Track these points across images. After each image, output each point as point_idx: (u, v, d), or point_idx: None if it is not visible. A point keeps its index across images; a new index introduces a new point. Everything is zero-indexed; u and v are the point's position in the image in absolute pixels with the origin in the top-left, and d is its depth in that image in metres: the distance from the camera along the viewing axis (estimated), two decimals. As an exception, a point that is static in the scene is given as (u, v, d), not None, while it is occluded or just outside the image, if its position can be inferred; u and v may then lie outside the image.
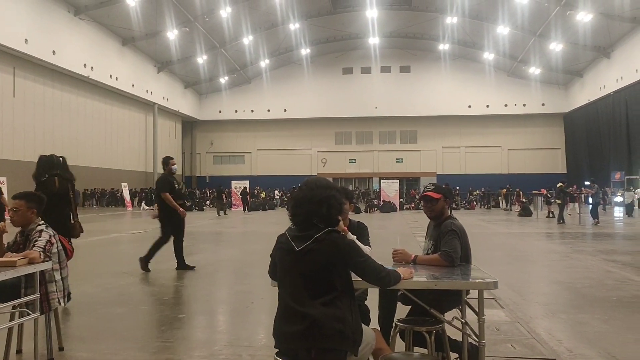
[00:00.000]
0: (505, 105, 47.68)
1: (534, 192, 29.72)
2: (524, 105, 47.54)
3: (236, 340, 4.59)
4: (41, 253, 3.75)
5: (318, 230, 2.53)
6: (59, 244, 4.09)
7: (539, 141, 49.03)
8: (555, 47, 39.10)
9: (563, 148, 48.60)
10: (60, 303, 3.98)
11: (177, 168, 8.68)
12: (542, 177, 44.77)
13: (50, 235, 3.95)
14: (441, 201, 3.63)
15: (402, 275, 2.73)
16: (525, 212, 25.68)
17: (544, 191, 27.17)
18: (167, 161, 8.65)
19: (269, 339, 2.70)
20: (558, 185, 21.68)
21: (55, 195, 5.68)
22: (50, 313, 3.93)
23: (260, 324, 5.14)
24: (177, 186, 8.58)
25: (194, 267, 8.55)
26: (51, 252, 3.91)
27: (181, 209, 8.41)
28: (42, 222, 4.06)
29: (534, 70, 44.77)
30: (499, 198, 38.25)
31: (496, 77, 47.33)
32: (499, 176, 46.56)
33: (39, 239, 3.87)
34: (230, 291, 7.21)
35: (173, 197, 8.30)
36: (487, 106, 47.82)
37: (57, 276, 3.99)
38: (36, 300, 3.73)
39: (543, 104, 47.40)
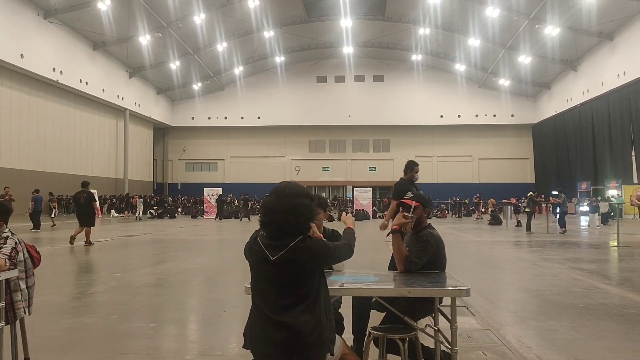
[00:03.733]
0: (476, 116, 48.55)
1: (503, 201, 30.28)
2: (494, 115, 48.50)
3: (208, 349, 4.53)
4: (7, 260, 3.64)
5: (292, 239, 2.50)
6: (25, 251, 3.97)
7: (509, 151, 50.04)
8: (524, 59, 40.07)
9: (532, 158, 49.70)
10: (25, 312, 3.87)
11: (419, 176, 7.80)
12: (512, 186, 45.67)
13: (15, 243, 3.83)
14: (419, 209, 3.67)
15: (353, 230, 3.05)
16: (495, 221, 26.12)
17: (513, 200, 27.68)
18: (411, 166, 7.62)
19: (242, 348, 2.67)
20: (529, 194, 22.14)
21: None
22: (16, 322, 3.81)
23: (233, 332, 5.09)
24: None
25: None
26: (17, 259, 3.79)
27: None
28: (7, 229, 3.94)
29: (504, 82, 45.77)
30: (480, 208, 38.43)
31: (467, 87, 48.19)
32: (469, 185, 47.30)
33: (4, 246, 3.74)
34: (202, 299, 7.11)
35: None
36: (459, 116, 48.59)
37: (23, 285, 3.87)
38: (1, 309, 3.62)
39: (512, 115, 48.45)
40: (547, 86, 44.70)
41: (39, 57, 31.22)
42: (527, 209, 21.67)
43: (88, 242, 14.11)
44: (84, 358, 4.23)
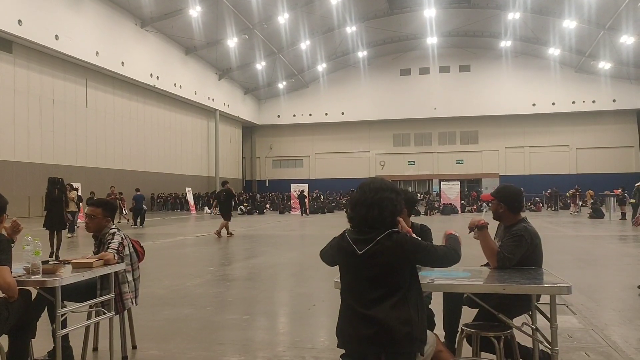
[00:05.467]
0: (573, 103, 45.68)
1: (606, 192, 28.28)
2: (593, 102, 45.37)
3: (299, 342, 4.63)
4: (115, 255, 3.93)
5: (379, 233, 2.50)
6: (131, 246, 4.26)
7: (610, 139, 46.60)
8: (627, 40, 37.08)
9: (637, 146, 45.97)
10: (133, 303, 4.16)
11: None
12: (614, 176, 42.49)
13: (122, 238, 4.12)
14: (494, 204, 3.59)
15: (456, 235, 2.84)
16: (596, 214, 24.47)
17: (617, 191, 25.73)
18: None
19: (332, 341, 2.70)
20: (637, 185, 20.46)
21: (56, 199, 11.17)
22: (124, 313, 4.11)
23: (323, 326, 5.16)
24: None
25: None
26: (124, 254, 4.08)
27: None
28: (114, 226, 4.24)
29: (604, 65, 42.63)
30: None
31: (562, 73, 45.45)
32: (566, 176, 44.66)
33: (112, 241, 4.04)
34: (291, 294, 7.28)
35: None
36: (553, 104, 45.99)
37: (130, 277, 4.17)
38: (111, 300, 3.91)
39: (614, 100, 45.04)
40: (654, 67, 41.09)
41: (137, 64, 33.36)
42: (631, 200, 20.08)
43: (229, 234, 15.78)
44: (184, 347, 4.48)
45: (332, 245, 2.75)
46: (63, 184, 11.66)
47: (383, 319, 2.38)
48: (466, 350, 3.28)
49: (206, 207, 38.40)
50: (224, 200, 16.38)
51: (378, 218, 2.52)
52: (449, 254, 2.62)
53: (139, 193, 22.46)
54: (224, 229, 15.78)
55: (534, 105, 46.29)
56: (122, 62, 31.91)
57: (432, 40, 44.30)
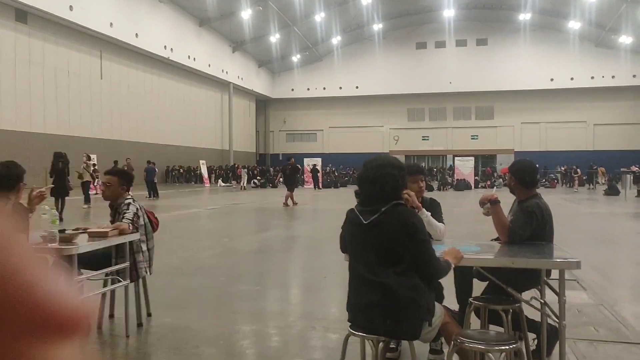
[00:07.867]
0: (592, 78, 44.73)
1: (622, 169, 27.91)
2: (613, 77, 44.38)
3: (310, 312, 4.71)
4: (130, 225, 4.00)
5: (384, 204, 2.58)
6: (146, 217, 4.34)
7: (629, 116, 45.72)
8: (650, 13, 36.07)
9: (657, 123, 45.08)
10: (147, 272, 4.25)
11: None
12: (633, 153, 41.85)
13: (137, 209, 4.19)
14: (508, 177, 3.69)
15: (451, 263, 2.73)
16: (612, 191, 24.22)
17: (634, 168, 25.40)
18: None
19: (342, 312, 2.76)
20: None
21: (60, 171, 12.67)
22: (139, 281, 4.21)
23: (334, 298, 5.24)
24: None
25: None
26: (138, 224, 4.15)
27: None
28: (130, 196, 4.30)
29: (625, 40, 41.56)
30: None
31: (581, 47, 44.41)
32: (583, 153, 44.04)
33: (127, 211, 4.11)
34: (303, 266, 7.37)
35: None
36: (572, 79, 45.08)
37: (144, 247, 4.25)
38: (126, 268, 4.00)
39: (634, 76, 44.01)
40: (677, 42, 39.98)
41: (151, 36, 33.21)
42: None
43: (294, 203, 17.19)
44: (198, 315, 4.58)
45: (342, 226, 2.84)
46: (66, 157, 13.20)
47: (388, 284, 2.46)
48: (474, 322, 3.32)
49: (220, 180, 38.62)
50: (290, 173, 18.18)
51: (380, 194, 2.60)
52: (444, 267, 2.66)
53: (150, 165, 22.55)
54: (290, 199, 17.10)
55: (551, 80, 45.43)
56: (136, 34, 31.80)
57: (449, 13, 43.45)
